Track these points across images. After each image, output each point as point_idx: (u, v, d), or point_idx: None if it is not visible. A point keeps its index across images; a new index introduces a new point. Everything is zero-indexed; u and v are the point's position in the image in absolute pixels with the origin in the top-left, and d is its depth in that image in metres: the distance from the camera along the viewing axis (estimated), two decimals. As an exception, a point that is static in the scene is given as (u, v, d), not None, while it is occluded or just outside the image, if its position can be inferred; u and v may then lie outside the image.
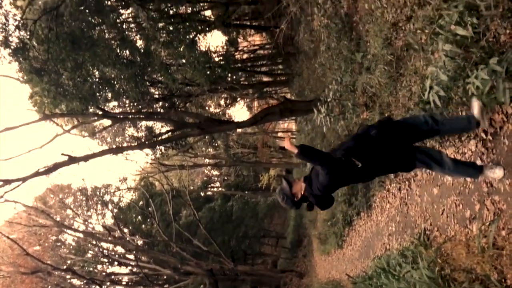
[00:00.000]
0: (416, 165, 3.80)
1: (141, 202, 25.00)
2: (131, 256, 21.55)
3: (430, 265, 4.47)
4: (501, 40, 3.40)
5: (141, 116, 17.20)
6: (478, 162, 3.95)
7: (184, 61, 15.93)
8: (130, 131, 21.83)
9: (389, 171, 4.11)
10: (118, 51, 14.46)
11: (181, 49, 15.30)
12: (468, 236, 4.17)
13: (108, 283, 21.30)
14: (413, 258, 5.21)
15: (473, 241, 3.93)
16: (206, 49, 17.11)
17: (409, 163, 3.78)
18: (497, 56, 3.05)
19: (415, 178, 6.16)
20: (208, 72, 15.95)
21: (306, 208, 4.07)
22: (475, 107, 3.50)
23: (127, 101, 16.83)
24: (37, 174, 11.97)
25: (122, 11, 16.40)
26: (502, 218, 3.57)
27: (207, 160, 31.24)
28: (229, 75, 19.94)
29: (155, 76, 17.21)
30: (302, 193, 3.86)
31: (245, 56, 25.36)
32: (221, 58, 19.11)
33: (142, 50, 15.32)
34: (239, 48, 24.35)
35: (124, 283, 23.88)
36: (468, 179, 4.29)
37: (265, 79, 26.68)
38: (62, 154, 12.05)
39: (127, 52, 15.10)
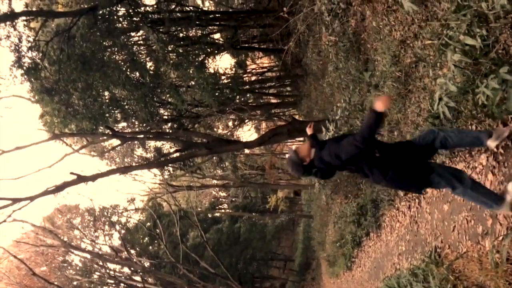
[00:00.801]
0: (429, 185, 3.73)
1: (148, 223, 24.93)
2: (138, 278, 21.36)
3: (442, 283, 4.37)
4: (511, 51, 3.39)
5: (150, 136, 17.29)
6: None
7: (193, 82, 16.10)
8: (139, 151, 21.97)
9: (398, 184, 3.98)
10: (128, 72, 14.66)
11: (190, 71, 15.47)
12: (481, 252, 4.07)
13: (114, 305, 21.09)
14: (424, 277, 5.10)
15: (486, 257, 3.83)
16: (215, 71, 17.31)
17: (421, 182, 3.70)
18: (508, 66, 3.04)
19: (424, 196, 6.07)
20: (216, 94, 16.09)
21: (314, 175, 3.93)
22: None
23: (136, 122, 16.96)
24: (45, 193, 12.03)
25: (132, 33, 16.72)
26: (516, 232, 3.49)
27: (214, 181, 31.18)
28: (238, 96, 20.07)
29: (164, 97, 17.37)
30: (311, 158, 3.79)
31: (253, 78, 25.58)
32: (230, 80, 19.28)
33: (152, 72, 15.53)
34: (248, 70, 24.61)
35: (130, 305, 23.60)
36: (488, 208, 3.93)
37: (273, 100, 26.82)
38: (71, 173, 12.12)
39: (137, 73, 15.31)
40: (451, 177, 3.59)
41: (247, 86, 22.98)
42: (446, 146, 3.77)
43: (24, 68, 12.64)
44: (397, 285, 5.82)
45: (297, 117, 22.41)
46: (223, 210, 34.90)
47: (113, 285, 24.35)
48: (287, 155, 3.99)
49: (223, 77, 18.88)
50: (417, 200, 6.43)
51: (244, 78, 23.54)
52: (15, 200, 11.45)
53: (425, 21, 5.32)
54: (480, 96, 3.13)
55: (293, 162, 3.79)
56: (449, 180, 3.60)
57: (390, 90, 6.36)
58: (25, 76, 12.73)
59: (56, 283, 18.91)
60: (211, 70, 16.86)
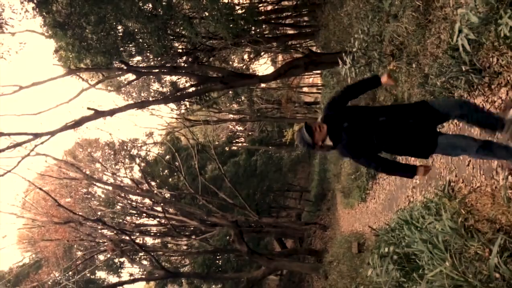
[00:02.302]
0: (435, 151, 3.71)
1: (167, 156, 25.45)
2: (159, 208, 22.17)
3: (453, 216, 4.41)
4: (539, -22, 3.16)
5: (164, 70, 17.17)
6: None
7: (206, 13, 15.63)
8: (155, 86, 21.93)
9: (402, 151, 3.99)
10: (140, 4, 14.27)
11: (204, 1, 14.98)
12: (494, 187, 4.07)
13: (137, 234, 22.06)
14: (436, 210, 5.15)
15: (499, 192, 3.84)
16: (229, 0, 16.72)
17: (427, 149, 3.70)
18: (534, -5, 2.84)
19: (441, 130, 5.99)
20: (231, 25, 15.63)
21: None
22: None
23: (151, 56, 16.76)
24: (65, 127, 12.23)
25: (144, -38, 16.08)
26: (531, 168, 3.45)
27: (231, 116, 31.27)
28: (253, 28, 19.49)
29: (178, 29, 16.99)
30: (323, 143, 3.68)
31: (269, 7, 24.70)
32: (245, 10, 18.66)
33: (165, 3, 15.09)
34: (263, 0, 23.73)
35: (152, 233, 24.74)
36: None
37: (290, 31, 26.03)
38: (88, 109, 12.24)
39: (150, 5, 14.90)
40: (457, 146, 3.58)
41: (263, 17, 22.24)
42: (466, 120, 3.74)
43: (35, 1, 12.40)
44: (410, 217, 5.90)
45: (314, 49, 21.84)
46: (240, 144, 35.33)
47: (136, 215, 25.43)
48: (299, 128, 3.76)
49: (237, 7, 18.28)
50: (433, 134, 6.36)
51: (260, 8, 22.78)
52: (36, 135, 11.69)
53: None
54: (503, 28, 2.96)
55: (304, 141, 3.62)
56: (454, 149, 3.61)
57: (410, 21, 6.09)
58: (37, 10, 12.52)
59: (80, 213, 19.80)
60: (225, 0, 16.31)
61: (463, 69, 4.47)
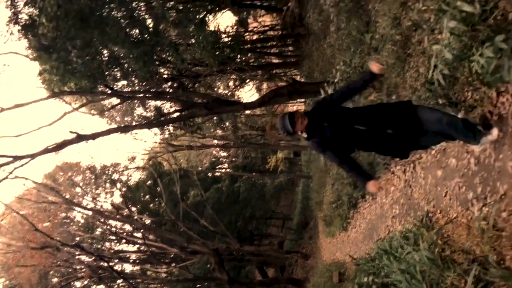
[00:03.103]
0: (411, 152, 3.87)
1: (149, 182, 25.22)
2: (139, 234, 21.82)
3: (430, 247, 4.46)
4: (509, 18, 3.31)
5: (149, 95, 17.20)
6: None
7: (193, 41, 15.83)
8: (139, 110, 21.90)
9: (380, 152, 4.14)
10: (127, 29, 14.39)
11: (190, 29, 15.20)
12: (470, 218, 4.15)
13: (116, 260, 21.61)
14: (414, 240, 5.20)
15: (474, 223, 3.91)
16: (216, 29, 17.01)
17: (405, 151, 3.90)
18: (505, 34, 2.98)
19: (420, 161, 6.11)
20: (217, 53, 15.85)
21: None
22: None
23: (136, 80, 16.80)
24: (46, 151, 12.09)
25: (131, -11, 16.30)
26: (504, 200, 3.54)
27: (215, 141, 31.26)
28: (239, 56, 19.78)
29: (164, 55, 17.13)
30: (302, 132, 3.91)
31: (255, 37, 25.12)
32: (231, 38, 18.95)
33: (151, 29, 15.24)
34: (249, 29, 24.13)
35: (131, 260, 24.24)
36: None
37: (275, 60, 26.44)
38: (71, 132, 12.14)
39: (136, 31, 15.02)
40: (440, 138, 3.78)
41: (249, 45, 22.60)
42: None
43: (21, 24, 12.42)
44: (389, 247, 5.95)
45: (298, 78, 22.19)
46: (223, 170, 35.18)
47: (115, 241, 24.94)
48: (280, 116, 4.01)
49: (223, 36, 18.55)
50: (412, 165, 6.48)
51: (246, 37, 23.14)
52: (16, 158, 11.52)
53: (427, -18, 5.17)
54: (475, 65, 3.09)
55: (285, 128, 3.85)
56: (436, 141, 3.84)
57: (390, 54, 6.28)
58: (22, 33, 12.53)
59: (58, 238, 19.34)
60: (212, 28, 16.58)
61: (440, 102, 4.61)
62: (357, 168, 3.94)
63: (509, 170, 3.53)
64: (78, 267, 19.63)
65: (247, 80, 25.68)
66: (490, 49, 2.97)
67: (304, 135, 3.94)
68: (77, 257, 19.41)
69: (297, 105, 35.21)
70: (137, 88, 17.47)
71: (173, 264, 22.67)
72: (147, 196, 26.05)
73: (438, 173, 5.26)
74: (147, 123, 17.98)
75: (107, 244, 25.38)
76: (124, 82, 17.35)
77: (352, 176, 4.07)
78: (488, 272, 3.26)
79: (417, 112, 3.70)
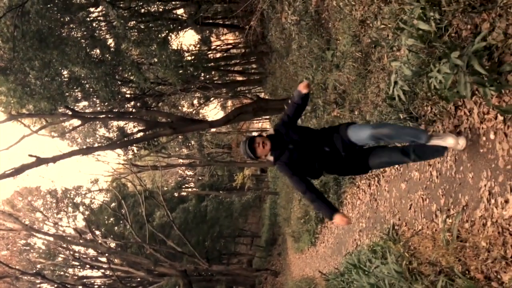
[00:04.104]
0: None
1: (113, 204, 24.60)
2: (104, 259, 21.18)
3: (398, 260, 4.51)
4: (463, 35, 3.45)
5: (111, 115, 16.88)
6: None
7: (155, 60, 15.73)
8: (101, 131, 21.44)
9: (343, 173, 4.26)
10: (88, 49, 14.16)
11: (153, 48, 15.11)
12: (434, 230, 4.23)
13: (80, 287, 20.85)
14: (382, 253, 5.26)
15: (439, 235, 3.98)
16: (178, 48, 16.96)
17: (363, 168, 3.96)
18: (459, 50, 3.09)
19: (384, 174, 6.22)
20: (180, 71, 15.80)
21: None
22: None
23: (98, 101, 16.49)
24: (3, 176, 11.61)
25: (91, 9, 16.10)
26: (466, 211, 3.62)
27: (180, 160, 30.96)
28: (202, 74, 19.80)
29: (126, 75, 16.94)
30: (266, 155, 3.90)
31: (218, 55, 25.27)
32: (194, 57, 18.98)
33: (113, 49, 15.06)
34: (212, 47, 24.27)
35: (96, 286, 23.45)
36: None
37: (239, 78, 26.63)
38: (30, 156, 11.72)
39: (97, 51, 14.81)
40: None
41: (212, 64, 22.68)
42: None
43: (-25, 46, 12.01)
44: (358, 261, 5.98)
45: (262, 95, 22.38)
46: (189, 189, 34.81)
47: (78, 267, 24.09)
48: (242, 141, 3.96)
49: (186, 54, 18.56)
50: (376, 179, 6.58)
51: (209, 55, 23.24)
52: (-29, 184, 11.02)
53: (384, 1, 5.34)
54: (433, 81, 3.18)
55: (247, 154, 3.86)
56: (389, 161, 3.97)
57: (350, 71, 6.41)
58: (-24, 54, 12.11)
59: (17, 267, 18.52)
60: (174, 47, 16.52)
61: (401, 117, 4.72)
62: (322, 198, 3.85)
63: (470, 182, 3.62)
64: (39, 296, 18.82)
65: (212, 98, 25.67)
66: (447, 65, 3.07)
67: (270, 158, 3.90)
68: (38, 285, 18.62)
69: (262, 122, 35.49)
70: (99, 108, 17.15)
71: (140, 288, 22.08)
72: (112, 219, 25.38)
73: (402, 186, 5.36)
74: (110, 144, 17.59)
75: (70, 270, 24.49)
76: (86, 103, 17.02)
77: (316, 207, 3.98)
78: (454, 283, 3.31)
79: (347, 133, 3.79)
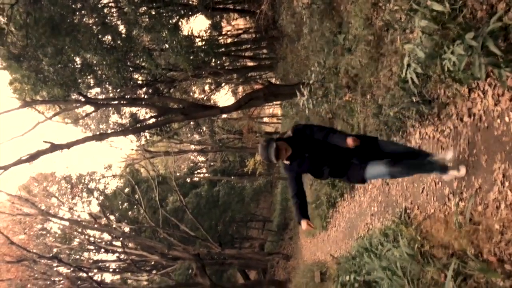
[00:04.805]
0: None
1: (127, 189, 24.86)
2: (118, 243, 21.48)
3: (410, 243, 4.53)
4: (478, 16, 3.41)
5: (124, 102, 16.99)
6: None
7: (167, 46, 15.73)
8: (114, 117, 21.63)
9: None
10: (99, 36, 14.21)
11: (164, 34, 15.08)
12: (447, 213, 4.23)
13: (95, 270, 21.22)
14: (394, 237, 5.28)
15: (451, 218, 3.98)
16: (189, 33, 16.91)
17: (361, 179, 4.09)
18: (474, 31, 3.05)
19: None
20: (191, 57, 15.78)
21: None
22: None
23: (110, 87, 16.59)
24: (19, 162, 11.78)
25: (102, -5, 16.09)
26: (479, 194, 3.62)
27: (192, 146, 31.10)
28: (213, 60, 19.73)
29: (137, 61, 16.96)
30: (282, 160, 4.11)
31: (229, 40, 25.11)
32: (205, 42, 18.88)
33: (124, 35, 15.08)
34: (223, 33, 24.10)
35: (111, 269, 23.84)
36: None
37: (250, 63, 26.49)
38: (45, 142, 11.88)
39: (109, 37, 14.86)
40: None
41: (223, 49, 22.57)
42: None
43: (-11, 33, 12.11)
44: (369, 244, 6.01)
45: (273, 80, 22.27)
46: (201, 175, 35.01)
47: (94, 251, 24.48)
48: (264, 144, 4.04)
49: (197, 40, 18.47)
50: (389, 163, 6.55)
51: (220, 41, 23.10)
52: (-12, 170, 11.22)
53: (397, -17, 5.26)
54: (447, 63, 3.15)
55: (267, 156, 3.98)
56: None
57: (363, 54, 6.35)
58: (-10, 42, 12.23)
59: (35, 250, 18.90)
60: (185, 33, 16.47)
61: (414, 100, 4.69)
62: (301, 204, 4.20)
63: (483, 164, 3.61)
64: (56, 279, 19.20)
65: (223, 84, 25.65)
66: (461, 47, 3.03)
67: (286, 162, 4.13)
68: (55, 269, 18.99)
69: (273, 107, 35.38)
70: (111, 95, 17.25)
71: (154, 272, 22.42)
72: (125, 204, 25.69)
73: (414, 170, 5.34)
74: (123, 130, 17.75)
75: (86, 254, 24.88)
76: (98, 90, 17.13)
77: (295, 208, 4.19)
78: (467, 265, 3.33)
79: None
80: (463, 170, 3.89)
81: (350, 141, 3.75)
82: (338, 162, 4.07)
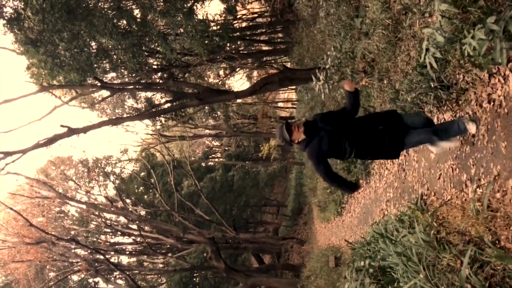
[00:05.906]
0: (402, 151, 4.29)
1: (142, 173, 25.17)
2: (134, 226, 21.84)
3: (426, 229, 4.50)
4: None
5: (139, 86, 17.07)
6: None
7: (181, 30, 15.70)
8: (130, 102, 21.79)
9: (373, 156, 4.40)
10: (114, 21, 14.22)
11: (179, 18, 15.04)
12: (464, 200, 4.19)
13: (112, 253, 21.62)
14: (409, 223, 5.24)
15: (468, 204, 3.95)
16: (204, 17, 16.84)
17: (397, 150, 4.18)
18: (495, 15, 2.97)
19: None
20: (206, 42, 15.75)
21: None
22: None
23: (125, 72, 16.68)
24: (37, 145, 11.98)
25: (117, -21, 16.06)
26: (497, 181, 3.58)
27: (207, 131, 31.22)
28: (228, 44, 19.67)
29: (153, 46, 16.99)
30: (299, 141, 4.17)
31: (244, 24, 24.96)
32: (220, 27, 18.81)
33: (139, 20, 15.08)
34: (238, 16, 23.93)
35: (127, 252, 24.28)
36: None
37: (265, 48, 26.31)
38: (61, 126, 12.03)
39: (124, 21, 14.87)
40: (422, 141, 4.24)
41: (238, 33, 22.45)
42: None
43: (6, 18, 12.21)
44: (384, 230, 5.99)
45: (288, 65, 22.12)
46: (216, 159, 35.20)
47: (110, 234, 24.94)
48: (279, 126, 4.30)
49: (212, 24, 18.41)
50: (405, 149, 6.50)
51: (235, 25, 22.97)
52: (7, 154, 11.42)
53: (416, -35, 5.14)
54: (467, 47, 3.09)
55: (283, 138, 4.15)
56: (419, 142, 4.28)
57: (380, 38, 6.26)
58: (8, 27, 12.33)
59: (53, 233, 19.31)
60: (200, 17, 16.41)
61: (432, 85, 4.62)
62: (339, 178, 4.33)
63: (503, 151, 3.56)
64: (74, 261, 19.64)
65: (237, 69, 25.59)
66: (482, 31, 2.97)
67: (302, 137, 4.14)
68: (73, 251, 19.40)
69: (288, 92, 35.21)
70: (127, 79, 17.35)
71: (170, 254, 22.76)
72: (141, 188, 26.03)
73: (431, 156, 5.29)
74: (138, 115, 17.87)
75: (103, 237, 25.38)
76: (114, 74, 17.24)
77: (334, 185, 4.56)
78: (484, 252, 3.30)
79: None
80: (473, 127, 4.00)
81: (345, 85, 4.03)
82: (362, 140, 4.07)
